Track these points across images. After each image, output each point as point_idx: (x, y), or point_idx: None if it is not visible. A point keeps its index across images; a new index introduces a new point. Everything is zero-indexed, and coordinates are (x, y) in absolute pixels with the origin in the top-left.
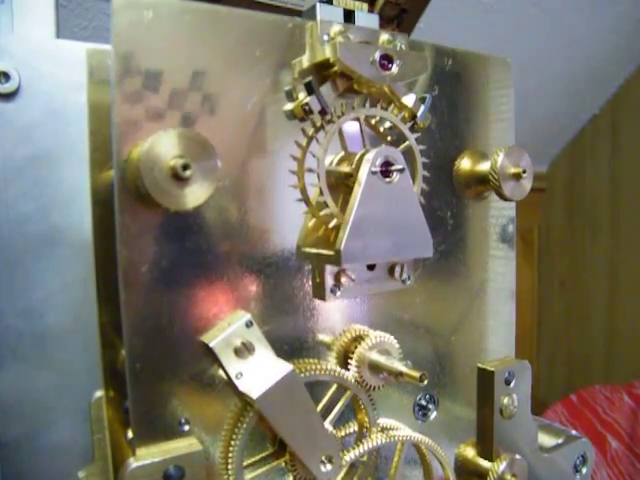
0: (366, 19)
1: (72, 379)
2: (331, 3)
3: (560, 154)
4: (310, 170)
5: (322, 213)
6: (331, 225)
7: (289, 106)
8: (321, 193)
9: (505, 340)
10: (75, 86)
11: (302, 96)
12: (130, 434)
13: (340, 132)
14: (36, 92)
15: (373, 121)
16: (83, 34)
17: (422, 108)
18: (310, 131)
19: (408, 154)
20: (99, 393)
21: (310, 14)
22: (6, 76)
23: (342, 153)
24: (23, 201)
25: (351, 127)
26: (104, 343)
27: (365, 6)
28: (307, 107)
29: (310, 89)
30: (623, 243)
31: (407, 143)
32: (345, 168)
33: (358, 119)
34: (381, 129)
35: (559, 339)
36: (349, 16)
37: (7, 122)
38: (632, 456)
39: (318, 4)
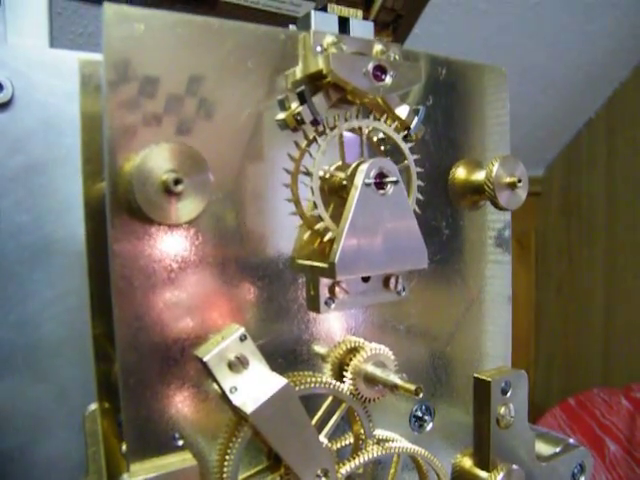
0: (361, 26)
1: (66, 391)
2: (326, 10)
3: (556, 158)
4: (305, 179)
5: (317, 227)
6: (326, 238)
7: (281, 115)
8: (315, 207)
9: (502, 346)
10: (69, 95)
11: (294, 105)
12: (124, 447)
13: (341, 143)
14: (30, 102)
15: (367, 132)
16: (78, 41)
17: (415, 120)
18: (303, 143)
19: (403, 164)
20: (93, 406)
21: (304, 22)
22: None
23: (336, 164)
24: (17, 211)
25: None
26: (98, 355)
27: (360, 13)
28: (299, 117)
29: (302, 99)
30: (619, 246)
31: (405, 162)
32: (339, 178)
33: (360, 129)
34: (375, 140)
35: (556, 343)
36: (344, 23)
37: (1, 132)
38: (631, 460)
39: (313, 11)
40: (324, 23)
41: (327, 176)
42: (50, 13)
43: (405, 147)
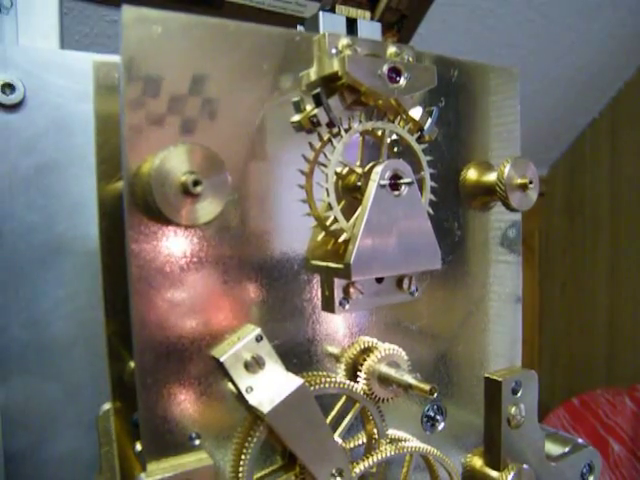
0: (368, 27)
1: (78, 390)
2: (333, 12)
3: (560, 158)
4: (320, 180)
5: (332, 228)
6: (341, 240)
7: (297, 117)
8: (330, 208)
9: (512, 346)
10: (79, 96)
11: (310, 107)
12: (139, 447)
13: (362, 144)
14: (41, 103)
15: (380, 133)
16: (85, 41)
17: (429, 121)
18: (318, 144)
19: (416, 166)
20: (107, 406)
21: (313, 23)
22: (11, 87)
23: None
24: (29, 211)
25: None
26: (111, 354)
27: (367, 14)
28: (315, 119)
29: (318, 101)
30: (623, 246)
31: (422, 173)
32: (354, 177)
33: (384, 132)
34: (388, 141)
35: (560, 342)
36: (351, 25)
37: (13, 133)
38: (635, 460)
39: (321, 13)
40: (332, 24)
41: (344, 172)
42: (60, 15)
43: (413, 141)
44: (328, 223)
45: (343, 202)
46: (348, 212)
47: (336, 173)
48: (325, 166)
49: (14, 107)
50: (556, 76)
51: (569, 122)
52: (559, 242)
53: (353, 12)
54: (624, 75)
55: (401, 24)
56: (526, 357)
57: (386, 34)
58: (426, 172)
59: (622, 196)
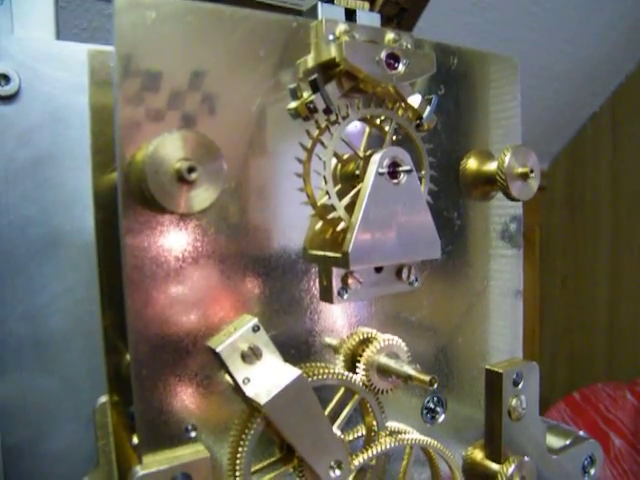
0: (367, 18)
1: (75, 383)
2: (332, 2)
3: (561, 152)
4: (318, 168)
5: (330, 217)
6: (339, 228)
7: (293, 104)
8: (329, 197)
9: (512, 339)
10: (75, 87)
11: (307, 94)
12: (135, 440)
13: (369, 133)
14: (36, 94)
15: (378, 121)
16: (83, 35)
17: (428, 109)
18: (315, 133)
19: (415, 154)
20: (103, 399)
21: (311, 13)
22: (6, 78)
23: (348, 153)
24: (25, 204)
25: (354, 127)
26: (107, 347)
27: (366, 5)
28: (312, 105)
29: (315, 87)
30: (624, 240)
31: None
32: (353, 165)
33: (391, 120)
34: (386, 129)
35: (561, 337)
36: (350, 15)
37: (8, 125)
38: (635, 454)
39: (319, 3)
40: (331, 15)
41: (344, 157)
42: (56, 5)
43: (412, 129)
44: (320, 201)
45: (345, 195)
46: (351, 203)
47: (336, 156)
48: (322, 161)
49: (9, 98)
50: (557, 69)
51: (570, 115)
52: (560, 236)
53: (352, 3)
54: (625, 68)
55: (401, 17)
56: (527, 351)
57: (385, 27)
58: (425, 160)
59: (623, 190)
